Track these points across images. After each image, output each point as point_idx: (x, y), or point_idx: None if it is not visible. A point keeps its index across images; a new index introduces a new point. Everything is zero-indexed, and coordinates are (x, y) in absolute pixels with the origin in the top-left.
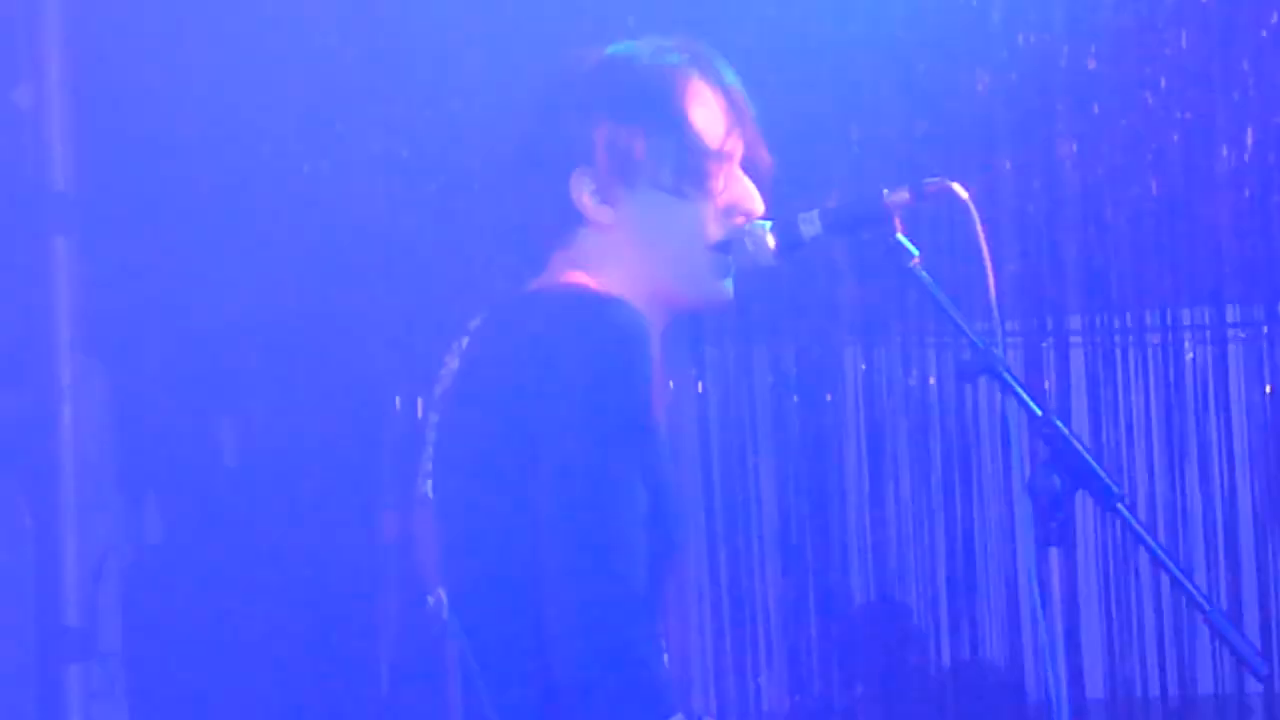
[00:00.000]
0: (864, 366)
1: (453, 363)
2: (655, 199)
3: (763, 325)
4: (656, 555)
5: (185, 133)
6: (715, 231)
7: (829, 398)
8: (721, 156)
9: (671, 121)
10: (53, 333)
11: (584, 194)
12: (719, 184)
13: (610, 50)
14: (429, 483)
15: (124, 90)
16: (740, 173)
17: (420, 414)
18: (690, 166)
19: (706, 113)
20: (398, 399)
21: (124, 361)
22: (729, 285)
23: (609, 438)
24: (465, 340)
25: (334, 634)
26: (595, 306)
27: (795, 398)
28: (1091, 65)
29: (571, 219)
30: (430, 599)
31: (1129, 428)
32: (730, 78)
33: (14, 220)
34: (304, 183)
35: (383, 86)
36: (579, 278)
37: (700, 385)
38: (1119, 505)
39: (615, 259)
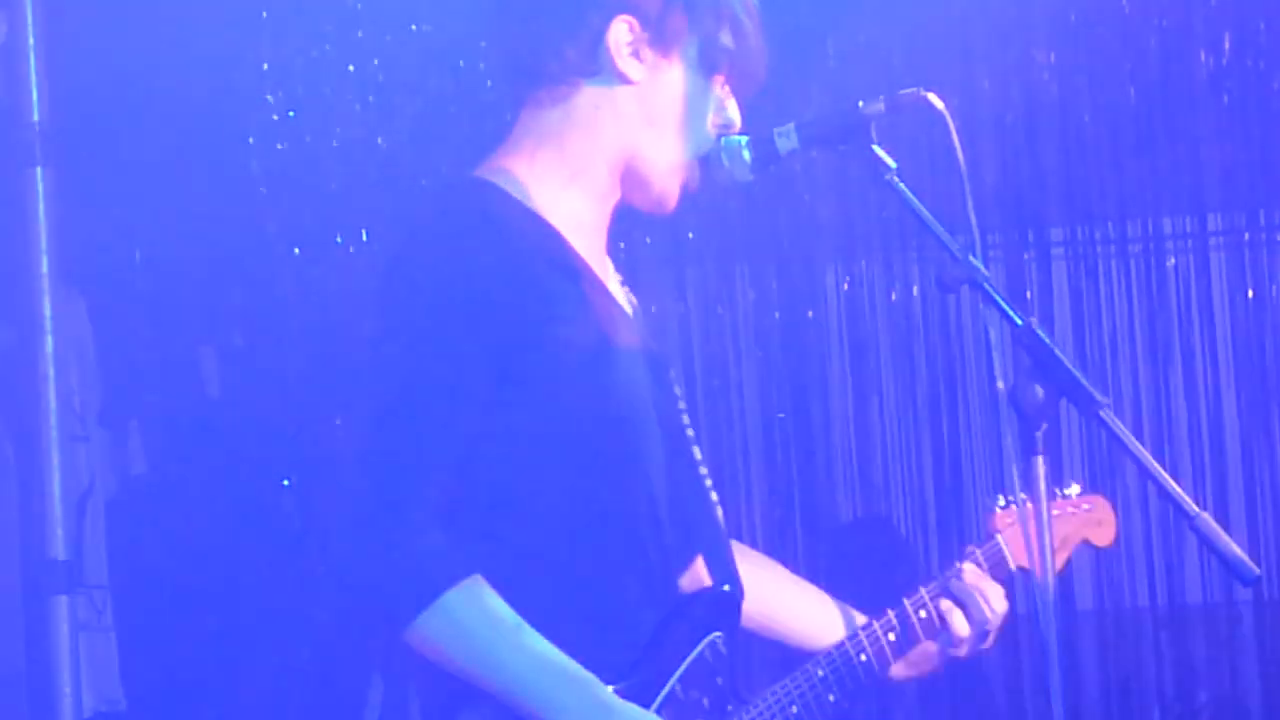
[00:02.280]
0: (847, 282)
1: None
2: (684, 75)
3: (743, 243)
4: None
5: (162, 62)
6: (700, 141)
7: (811, 314)
8: (734, 59)
9: (717, 6)
10: (33, 265)
11: (624, 43)
12: (719, 87)
13: None
14: None
15: (99, 20)
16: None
17: None
18: (719, 57)
19: (742, 18)
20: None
21: (105, 293)
22: (674, 201)
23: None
24: None
25: (320, 560)
26: (458, 194)
27: (777, 314)
28: None
29: (583, 67)
30: None
31: (1112, 337)
32: None
33: None
34: (280, 110)
35: (348, 37)
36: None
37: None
38: (1102, 413)
39: (607, 119)
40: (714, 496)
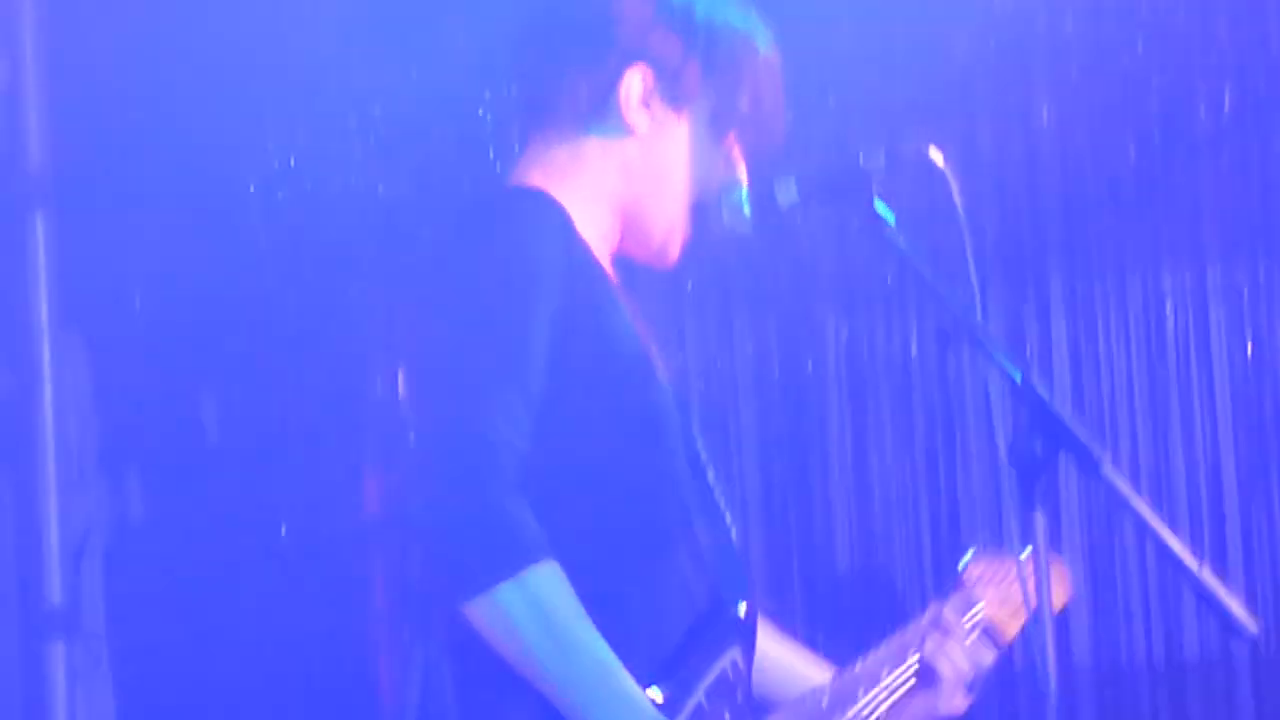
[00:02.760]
0: (845, 333)
1: None
2: (692, 131)
3: (743, 293)
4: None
5: (162, 108)
6: (704, 191)
7: (810, 365)
8: (747, 121)
9: (737, 70)
10: (33, 310)
11: (635, 91)
12: (729, 143)
13: None
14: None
15: (100, 66)
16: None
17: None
18: (731, 118)
19: (760, 77)
20: (379, 378)
21: (105, 339)
22: (677, 252)
23: (492, 305)
24: None
25: (319, 611)
26: (509, 202)
27: (776, 365)
28: (1069, 28)
29: (593, 112)
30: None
31: (1112, 391)
32: (772, 50)
33: None
34: (282, 160)
35: (360, 60)
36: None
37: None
38: (1101, 468)
39: (613, 168)
40: (729, 518)
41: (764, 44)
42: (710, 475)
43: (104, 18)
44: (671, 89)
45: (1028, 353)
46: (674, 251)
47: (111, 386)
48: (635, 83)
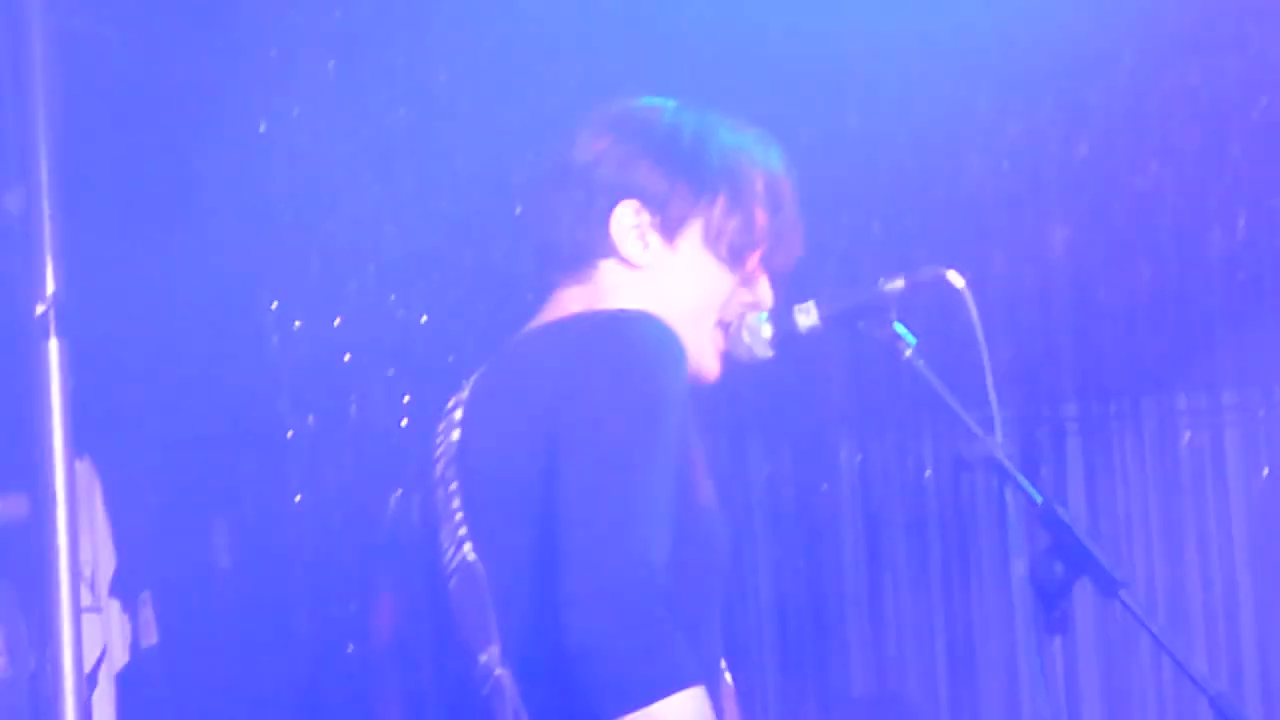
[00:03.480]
0: (860, 457)
1: (451, 431)
2: (697, 258)
3: (757, 415)
4: (697, 572)
5: (177, 235)
6: (726, 311)
7: (825, 488)
8: (763, 242)
9: (741, 196)
10: (46, 436)
11: (628, 226)
12: (751, 266)
13: (677, 106)
14: (467, 546)
15: (113, 190)
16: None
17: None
18: (742, 242)
19: (764, 196)
20: (394, 495)
21: (118, 464)
22: (717, 366)
23: (634, 427)
24: (461, 401)
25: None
26: (623, 317)
27: (791, 489)
28: (1083, 151)
29: (596, 248)
30: (482, 657)
31: (1127, 513)
32: (786, 170)
33: (4, 325)
34: (295, 283)
35: (371, 179)
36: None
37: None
38: (1121, 593)
39: (630, 298)
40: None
41: (766, 163)
42: None
43: (120, 145)
44: (664, 218)
45: (1043, 475)
46: (711, 369)
47: (124, 512)
48: (627, 216)
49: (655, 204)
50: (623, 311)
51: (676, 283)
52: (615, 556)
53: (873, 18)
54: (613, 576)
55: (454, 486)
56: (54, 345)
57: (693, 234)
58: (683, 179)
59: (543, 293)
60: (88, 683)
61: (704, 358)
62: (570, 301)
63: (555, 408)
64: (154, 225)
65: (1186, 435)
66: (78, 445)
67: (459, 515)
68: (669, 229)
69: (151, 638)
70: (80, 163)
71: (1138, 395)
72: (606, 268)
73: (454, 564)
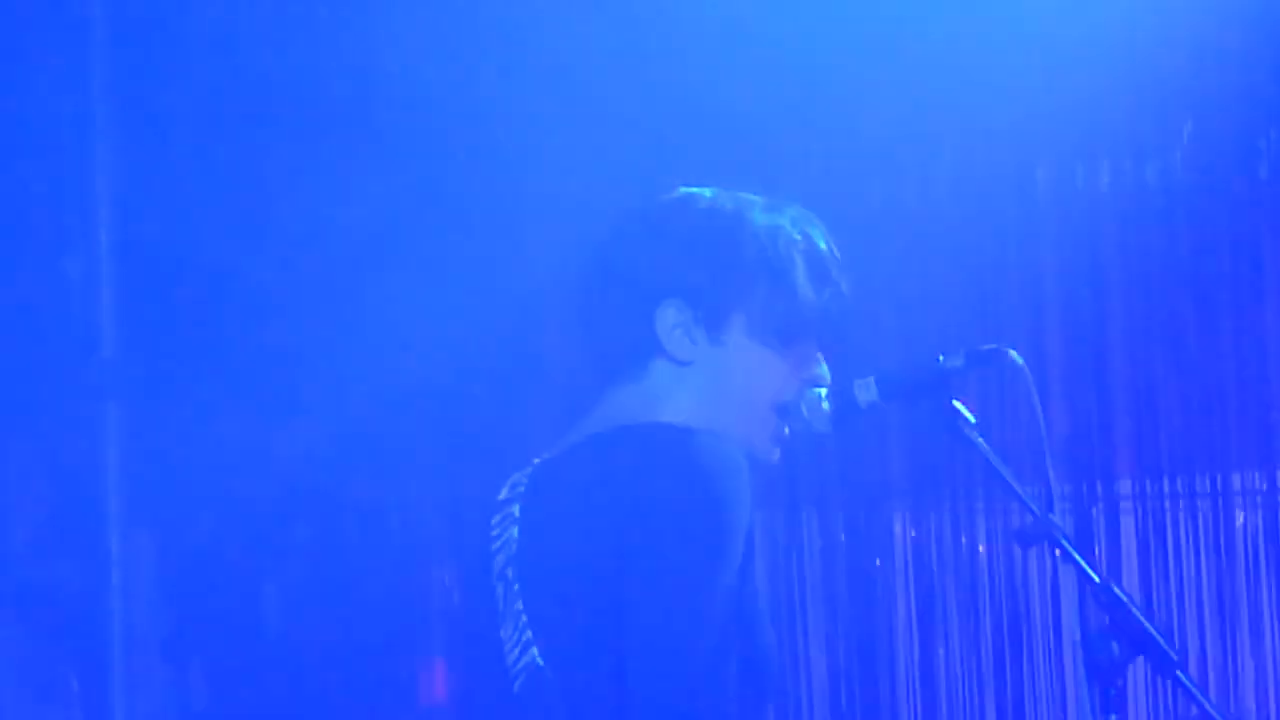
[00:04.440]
0: (914, 533)
1: (509, 526)
2: (746, 348)
3: (810, 489)
4: (749, 697)
5: (231, 300)
6: (783, 394)
7: (878, 563)
8: (815, 321)
9: (782, 279)
10: (102, 500)
11: (672, 325)
12: (803, 347)
13: (713, 195)
14: (534, 650)
15: (170, 256)
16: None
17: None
18: (790, 326)
19: (808, 276)
20: (443, 571)
21: (170, 528)
22: (778, 450)
23: (703, 563)
24: (518, 495)
25: None
26: (690, 441)
27: (844, 564)
28: (1140, 226)
29: (645, 349)
30: None
31: (1180, 593)
32: (830, 244)
33: (63, 386)
34: (346, 346)
35: (433, 226)
36: (655, 414)
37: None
38: (1178, 673)
39: (680, 399)
40: None
41: (807, 241)
42: None
43: (177, 208)
44: (707, 313)
45: (1096, 553)
46: (769, 454)
47: (175, 575)
48: (670, 315)
49: (696, 300)
50: (690, 432)
51: (728, 376)
52: (681, 677)
53: (928, 89)
54: (680, 696)
55: (516, 587)
56: (111, 409)
57: (738, 325)
58: (720, 272)
59: (596, 391)
60: None
61: (763, 445)
62: (626, 401)
63: (623, 525)
64: (214, 289)
65: (1241, 515)
66: (134, 509)
67: (524, 618)
68: (713, 324)
69: (201, 702)
70: (140, 226)
71: (1192, 473)
72: (657, 367)
73: (520, 665)
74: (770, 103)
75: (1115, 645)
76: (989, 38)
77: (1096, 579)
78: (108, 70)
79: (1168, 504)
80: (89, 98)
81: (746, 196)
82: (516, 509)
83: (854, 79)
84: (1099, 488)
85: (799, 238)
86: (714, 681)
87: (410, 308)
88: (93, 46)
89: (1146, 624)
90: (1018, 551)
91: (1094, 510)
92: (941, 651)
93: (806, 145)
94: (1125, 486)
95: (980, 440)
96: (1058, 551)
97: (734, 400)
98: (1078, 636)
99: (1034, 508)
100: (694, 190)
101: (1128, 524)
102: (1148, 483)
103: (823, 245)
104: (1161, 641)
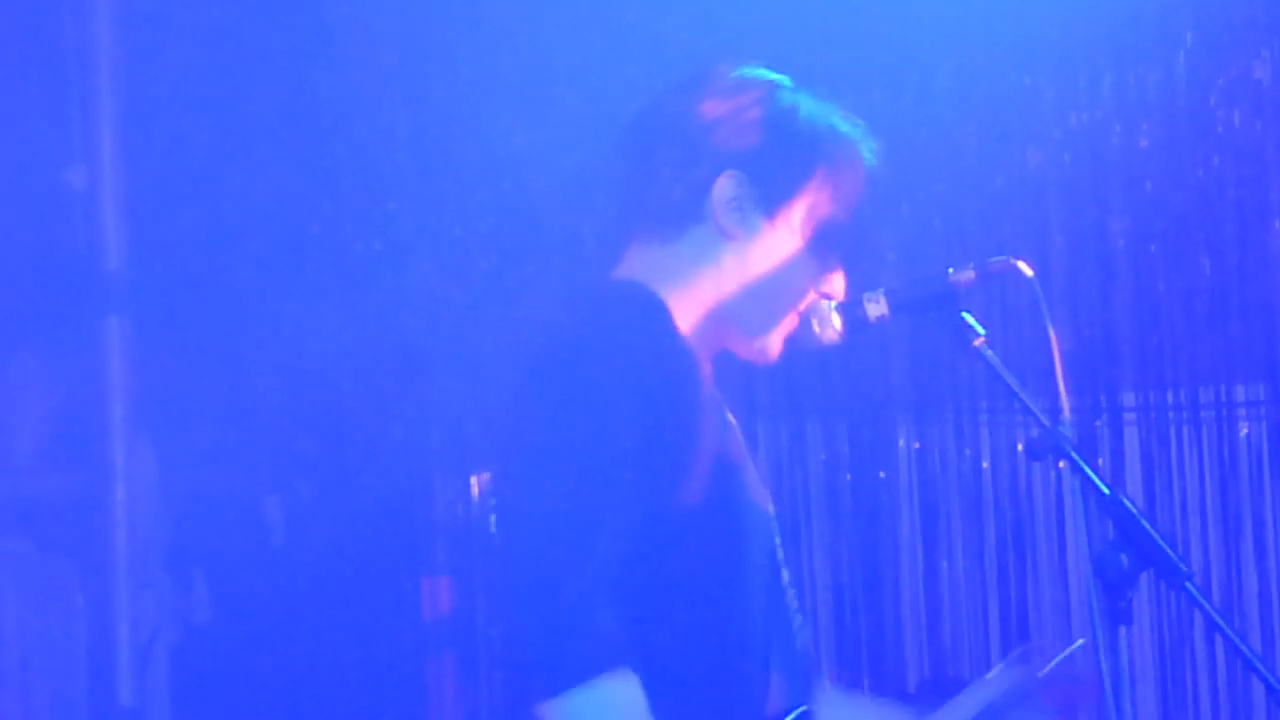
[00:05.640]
0: (918, 444)
1: None
2: (788, 239)
3: (815, 402)
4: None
5: (237, 212)
6: (802, 299)
7: (882, 475)
8: (854, 233)
9: (841, 186)
10: (106, 412)
11: (729, 197)
12: (832, 256)
13: (795, 85)
14: (493, 519)
15: (176, 169)
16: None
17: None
18: (832, 230)
19: (852, 186)
20: (447, 479)
21: (173, 440)
22: (778, 351)
23: (587, 432)
24: None
25: (384, 712)
26: (650, 309)
27: (848, 475)
28: (1143, 144)
29: (690, 213)
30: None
31: (1183, 505)
32: (872, 162)
33: (67, 299)
34: (355, 262)
35: (433, 164)
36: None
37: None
38: (1187, 584)
39: (707, 271)
40: (798, 622)
41: (867, 154)
42: (785, 577)
43: (182, 120)
44: (766, 194)
45: (1100, 465)
46: (772, 353)
47: (178, 487)
48: (729, 187)
49: (761, 179)
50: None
51: (764, 260)
52: (543, 544)
53: (934, 7)
54: (539, 565)
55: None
56: (114, 322)
57: (790, 215)
58: (794, 159)
59: (621, 248)
60: (141, 659)
61: (771, 339)
62: (653, 260)
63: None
64: (219, 200)
65: (1245, 427)
66: (137, 420)
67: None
68: (769, 206)
69: (203, 615)
70: (145, 137)
71: (1195, 386)
72: (696, 233)
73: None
74: (767, 12)
75: (1124, 558)
76: None
77: (1106, 491)
78: None
79: (1171, 416)
80: (92, 7)
81: (811, 96)
82: None
83: None
84: (1103, 400)
85: (863, 153)
86: (572, 550)
87: (415, 222)
88: None
89: (1156, 535)
90: (1021, 463)
91: (1098, 423)
92: (945, 564)
93: (805, 57)
94: (1129, 399)
95: (990, 353)
96: (1062, 464)
97: (761, 286)
98: (1085, 549)
99: (1044, 419)
100: (774, 74)
101: (1131, 437)
102: (1151, 395)
103: (868, 166)
104: (1170, 553)
